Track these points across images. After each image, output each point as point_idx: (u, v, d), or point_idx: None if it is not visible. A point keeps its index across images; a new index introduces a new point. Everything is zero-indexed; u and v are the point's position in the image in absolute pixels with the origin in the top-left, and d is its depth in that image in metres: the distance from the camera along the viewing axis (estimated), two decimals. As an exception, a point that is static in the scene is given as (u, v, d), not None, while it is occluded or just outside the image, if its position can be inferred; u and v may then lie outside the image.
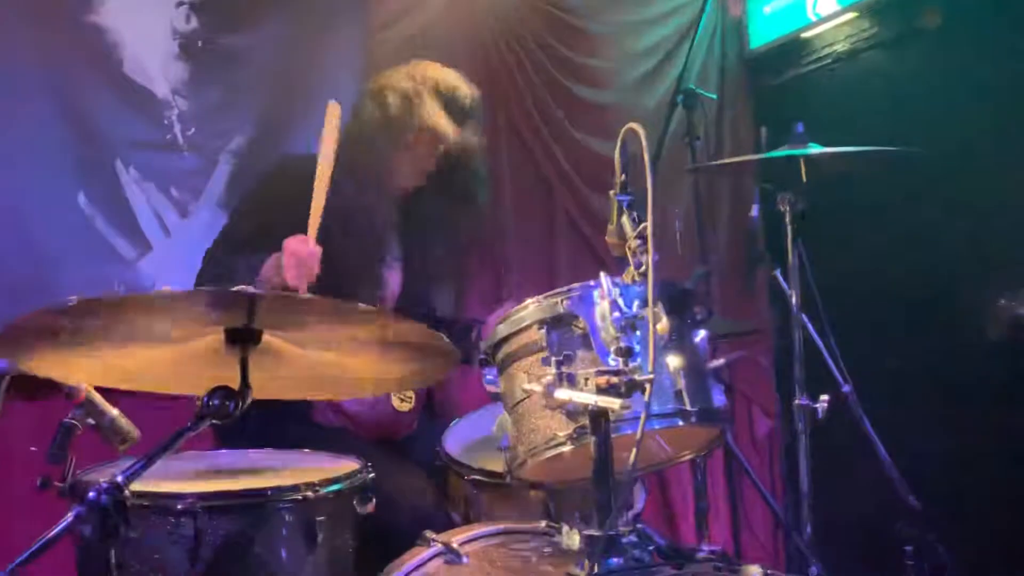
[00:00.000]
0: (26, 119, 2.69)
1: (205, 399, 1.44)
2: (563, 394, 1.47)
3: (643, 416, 1.42)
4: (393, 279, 2.51)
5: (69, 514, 1.31)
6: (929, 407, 3.12)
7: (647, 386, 1.43)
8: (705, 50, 3.86)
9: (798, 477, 2.41)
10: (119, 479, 1.33)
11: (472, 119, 2.41)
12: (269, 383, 1.52)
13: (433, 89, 2.34)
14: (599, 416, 1.47)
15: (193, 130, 2.92)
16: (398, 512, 2.10)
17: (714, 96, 3.66)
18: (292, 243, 2.13)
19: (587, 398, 1.44)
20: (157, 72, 2.88)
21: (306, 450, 2.06)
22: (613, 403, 1.41)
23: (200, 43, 2.92)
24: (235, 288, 1.39)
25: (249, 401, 1.47)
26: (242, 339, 1.48)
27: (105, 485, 1.30)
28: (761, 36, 3.93)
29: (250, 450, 2.13)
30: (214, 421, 1.46)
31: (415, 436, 2.51)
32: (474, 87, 2.43)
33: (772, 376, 3.48)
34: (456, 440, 2.32)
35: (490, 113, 3.60)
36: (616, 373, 1.45)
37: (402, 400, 2.45)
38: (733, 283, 3.58)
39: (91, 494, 1.30)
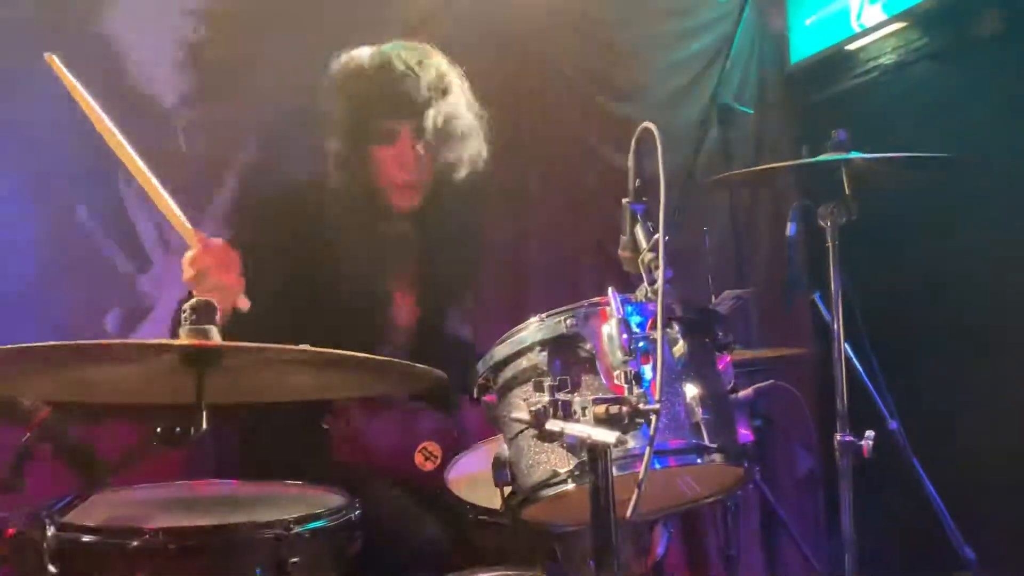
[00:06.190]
0: (24, 127, 2.59)
1: (152, 425, 1.28)
2: (555, 425, 1.28)
3: (648, 452, 1.22)
4: (406, 303, 2.35)
5: (-14, 553, 1.16)
6: (987, 446, 2.85)
7: (652, 417, 1.23)
8: (743, 64, 3.70)
9: (840, 522, 2.19)
10: (43, 513, 1.17)
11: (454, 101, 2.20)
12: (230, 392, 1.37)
13: (404, 64, 2.15)
14: (597, 451, 1.27)
15: (199, 142, 2.80)
16: (394, 553, 1.94)
17: (750, 111, 3.47)
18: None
19: (581, 430, 1.24)
20: (163, 82, 2.77)
21: (289, 481, 1.89)
22: (609, 436, 1.22)
23: (208, 53, 2.81)
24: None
25: (204, 427, 1.31)
26: (199, 361, 1.32)
27: (24, 518, 1.14)
28: (803, 49, 3.75)
29: (235, 481, 1.97)
30: (164, 449, 1.30)
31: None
32: (457, 67, 2.24)
33: (814, 410, 3.24)
34: (461, 474, 2.14)
35: (514, 129, 3.47)
36: (617, 401, 1.25)
37: (426, 458, 2.25)
38: (772, 307, 3.37)
39: (10, 530, 1.14)
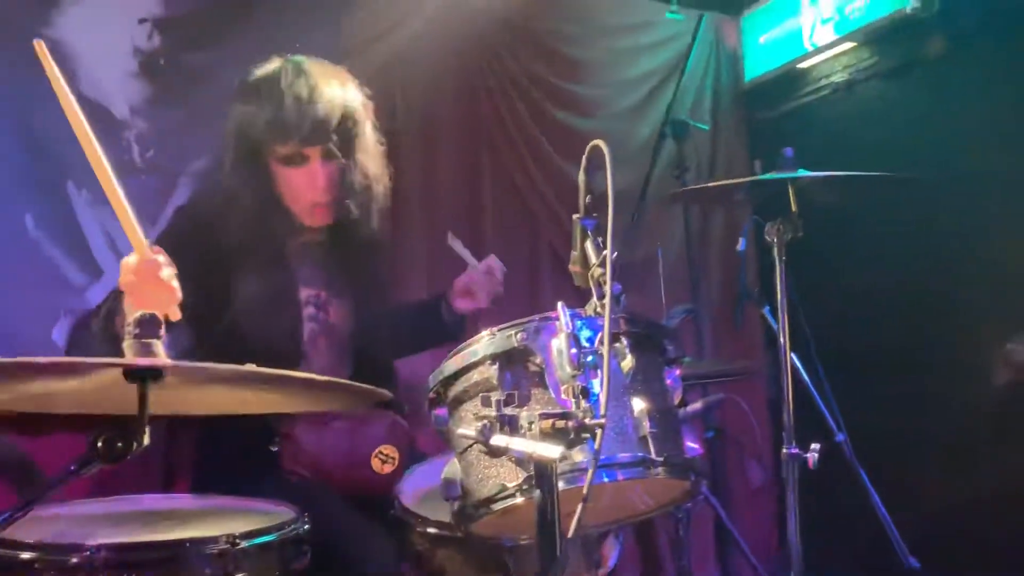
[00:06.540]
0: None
1: (91, 439, 1.26)
2: (500, 440, 1.28)
3: (592, 466, 1.23)
4: (334, 314, 2.30)
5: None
6: (931, 457, 2.91)
7: (598, 431, 1.24)
8: (698, 80, 3.75)
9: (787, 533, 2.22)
10: (-21, 531, 1.14)
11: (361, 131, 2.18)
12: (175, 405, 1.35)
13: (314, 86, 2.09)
14: (543, 465, 1.28)
15: (152, 152, 2.77)
16: (344, 570, 1.93)
17: (705, 127, 3.52)
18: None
19: (526, 445, 1.25)
20: (115, 91, 2.74)
21: (236, 497, 1.87)
22: (553, 451, 1.22)
23: (162, 61, 2.78)
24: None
25: (146, 442, 1.29)
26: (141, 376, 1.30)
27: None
28: (757, 67, 3.82)
29: (184, 494, 1.95)
30: (104, 464, 1.28)
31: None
32: (364, 90, 2.21)
33: (767, 422, 3.29)
34: (413, 487, 2.13)
35: (472, 141, 3.49)
36: (563, 416, 1.26)
37: (383, 461, 2.23)
38: (724, 321, 3.41)
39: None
